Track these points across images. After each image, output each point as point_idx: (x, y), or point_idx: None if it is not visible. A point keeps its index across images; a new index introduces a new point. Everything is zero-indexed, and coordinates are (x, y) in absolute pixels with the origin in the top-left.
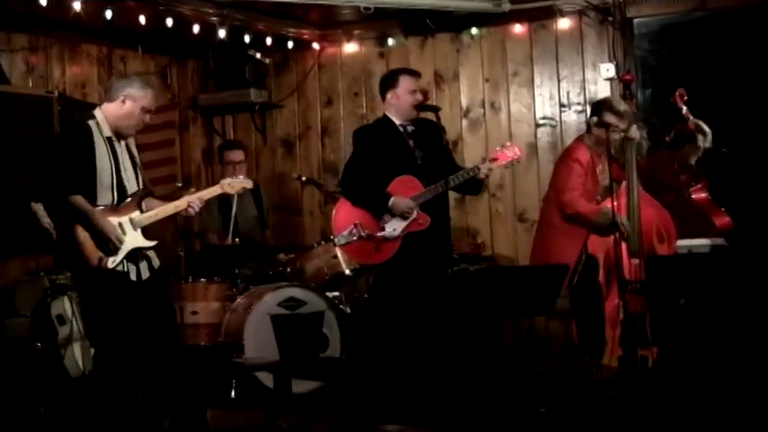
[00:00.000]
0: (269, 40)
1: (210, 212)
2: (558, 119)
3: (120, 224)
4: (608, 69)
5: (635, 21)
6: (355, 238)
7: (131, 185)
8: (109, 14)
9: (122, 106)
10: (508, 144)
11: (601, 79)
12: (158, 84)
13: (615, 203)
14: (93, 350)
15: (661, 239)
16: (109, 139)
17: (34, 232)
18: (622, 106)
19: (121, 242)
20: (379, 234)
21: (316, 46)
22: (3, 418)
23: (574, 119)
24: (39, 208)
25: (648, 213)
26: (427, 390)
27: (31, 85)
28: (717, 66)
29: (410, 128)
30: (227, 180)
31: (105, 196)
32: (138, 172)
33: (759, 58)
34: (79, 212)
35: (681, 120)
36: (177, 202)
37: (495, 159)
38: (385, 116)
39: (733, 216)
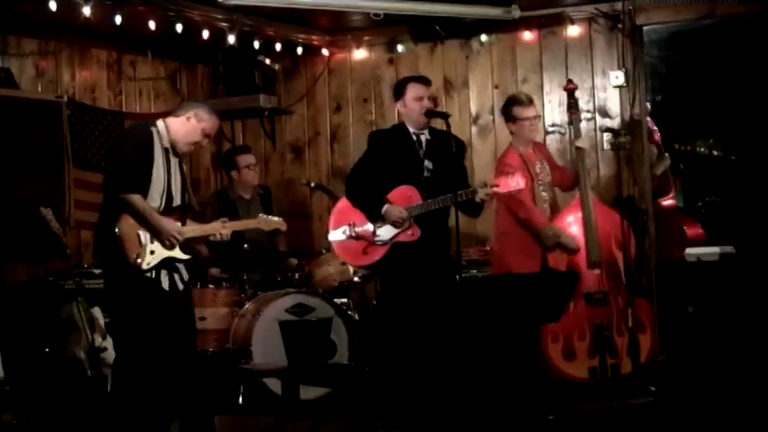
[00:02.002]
0: (278, 46)
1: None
2: (567, 126)
3: None
4: (617, 77)
5: (644, 28)
6: (345, 236)
7: (177, 199)
8: (119, 19)
9: (187, 122)
10: (515, 173)
11: (610, 86)
12: (168, 89)
13: (569, 218)
14: (102, 354)
15: (619, 246)
16: (166, 150)
17: (43, 237)
18: (523, 95)
19: (182, 235)
20: (369, 237)
21: (325, 52)
22: (19, 420)
23: (583, 126)
24: (48, 213)
25: (603, 222)
26: (435, 396)
27: (40, 89)
28: (726, 72)
29: (424, 138)
30: (266, 217)
31: (154, 200)
32: (187, 189)
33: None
34: (135, 211)
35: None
36: (214, 226)
37: (496, 186)
38: (401, 123)
39: (741, 223)
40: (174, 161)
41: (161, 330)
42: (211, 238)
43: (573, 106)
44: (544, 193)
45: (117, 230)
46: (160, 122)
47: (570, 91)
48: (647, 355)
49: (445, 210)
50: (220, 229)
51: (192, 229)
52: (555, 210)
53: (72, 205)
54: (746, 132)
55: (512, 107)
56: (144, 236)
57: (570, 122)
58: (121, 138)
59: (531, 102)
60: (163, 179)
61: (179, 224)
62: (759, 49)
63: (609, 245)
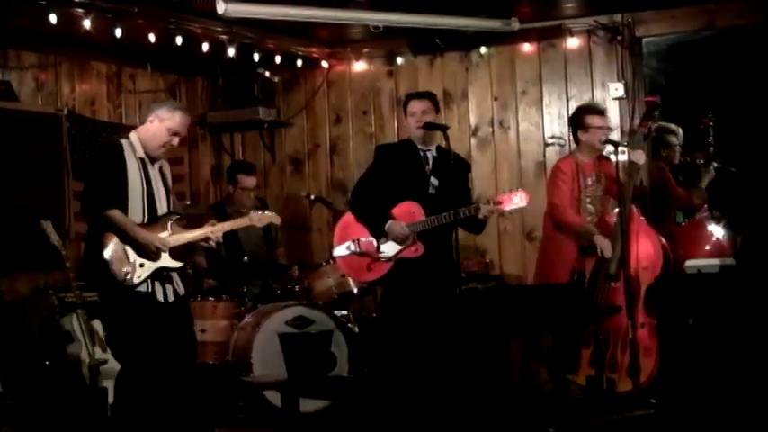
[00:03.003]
0: (278, 59)
1: None
2: (566, 138)
3: None
4: (617, 89)
5: (644, 40)
6: (350, 252)
7: (162, 208)
8: (119, 32)
9: (150, 126)
10: (519, 190)
11: (609, 98)
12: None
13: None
14: (102, 367)
15: (646, 268)
16: (141, 160)
17: (43, 249)
18: (599, 105)
19: (166, 247)
20: (373, 253)
21: (325, 64)
22: None
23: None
24: (48, 225)
25: (643, 241)
26: (435, 409)
27: (40, 102)
28: (725, 84)
29: (431, 155)
30: (257, 214)
31: (135, 214)
32: (171, 196)
33: (767, 76)
34: (116, 227)
35: (706, 145)
36: (202, 231)
37: (499, 203)
38: (408, 139)
39: (742, 235)
40: (153, 171)
41: (160, 343)
42: (203, 243)
43: (646, 119)
44: (590, 206)
45: (106, 255)
46: (133, 134)
47: (652, 104)
48: (648, 378)
49: (450, 226)
50: (209, 232)
51: (179, 238)
52: (603, 225)
53: (72, 218)
54: (747, 144)
55: (585, 115)
56: (131, 251)
57: (632, 133)
58: (90, 156)
59: (604, 113)
60: (141, 190)
61: (166, 233)
62: (759, 61)
63: (636, 263)
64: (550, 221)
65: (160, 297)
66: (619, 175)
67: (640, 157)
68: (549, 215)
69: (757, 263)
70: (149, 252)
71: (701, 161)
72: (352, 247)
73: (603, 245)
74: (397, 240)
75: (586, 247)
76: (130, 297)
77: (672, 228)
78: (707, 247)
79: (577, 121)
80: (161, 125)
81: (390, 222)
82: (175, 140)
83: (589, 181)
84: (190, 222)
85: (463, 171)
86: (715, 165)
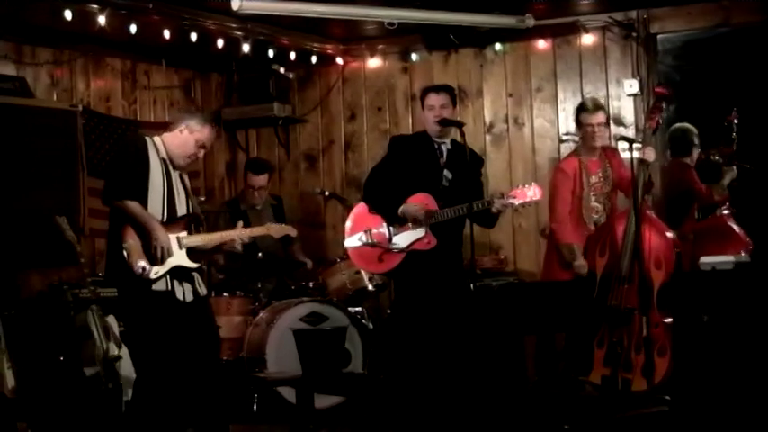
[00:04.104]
0: (293, 55)
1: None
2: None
3: None
4: (631, 85)
5: (659, 37)
6: (361, 243)
7: (182, 209)
8: (133, 28)
9: (179, 135)
10: (532, 184)
11: (624, 95)
12: (182, 98)
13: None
14: (117, 363)
15: (658, 266)
16: (164, 161)
17: (58, 245)
18: (590, 102)
19: (171, 254)
20: (385, 244)
21: (339, 60)
22: (33, 429)
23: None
24: (63, 221)
25: (654, 239)
26: (450, 405)
27: (55, 98)
28: (740, 81)
29: (445, 148)
30: (275, 225)
31: (156, 210)
32: (190, 200)
33: None
34: (132, 218)
35: (730, 141)
36: (225, 234)
37: (513, 197)
38: (424, 131)
39: (756, 232)
40: (174, 174)
41: (181, 342)
42: (226, 247)
43: (655, 110)
44: (597, 204)
45: (125, 246)
46: (157, 138)
47: (660, 95)
48: (662, 377)
49: (461, 219)
50: (229, 238)
51: (199, 239)
52: (612, 222)
53: (86, 214)
54: (762, 140)
55: (579, 113)
56: None
57: (643, 129)
58: (115, 149)
59: (597, 108)
60: (162, 188)
61: (184, 233)
62: None
63: (649, 262)
64: None
65: (180, 296)
66: (633, 174)
67: (650, 154)
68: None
69: None
70: (154, 248)
71: (717, 158)
72: (364, 238)
73: (579, 268)
74: (414, 221)
75: (566, 263)
76: (150, 295)
77: (693, 225)
78: (728, 244)
79: (576, 120)
80: (191, 136)
81: (405, 204)
82: (201, 153)
83: (594, 179)
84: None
85: (477, 166)
86: (737, 164)
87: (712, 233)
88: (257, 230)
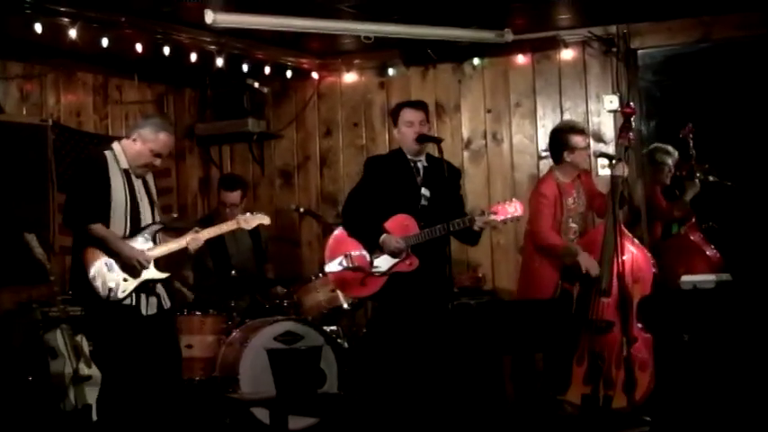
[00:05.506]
0: (267, 69)
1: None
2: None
3: None
4: (611, 101)
5: (639, 52)
6: (343, 267)
7: (146, 218)
8: (105, 42)
9: (133, 145)
10: (512, 200)
11: (604, 111)
12: (154, 113)
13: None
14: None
15: (636, 280)
16: (126, 171)
17: (27, 263)
18: (580, 123)
19: (149, 261)
20: (366, 267)
21: (315, 75)
22: None
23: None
24: (32, 238)
25: (631, 253)
26: (426, 426)
27: (25, 113)
28: (721, 97)
29: (421, 165)
30: (244, 216)
31: (118, 226)
32: (155, 207)
33: (764, 90)
34: (99, 240)
35: (688, 157)
36: (180, 239)
37: (494, 213)
38: (399, 149)
39: (736, 250)
40: (137, 182)
41: (145, 357)
42: (190, 249)
43: (624, 130)
44: (573, 225)
45: (90, 272)
46: (116, 144)
47: (627, 115)
48: (644, 393)
49: (444, 238)
50: (191, 239)
51: (163, 249)
52: (587, 239)
53: (57, 231)
54: (742, 157)
55: (570, 135)
56: (115, 266)
57: (616, 146)
58: (73, 169)
59: (585, 131)
60: (124, 203)
61: (149, 244)
62: (755, 74)
63: (627, 277)
64: (531, 244)
65: (144, 311)
66: (611, 189)
67: (622, 170)
68: (530, 239)
69: (753, 278)
70: (132, 267)
71: (683, 173)
72: (345, 263)
73: (589, 264)
74: (393, 254)
75: (570, 266)
76: (115, 310)
77: (658, 241)
78: (696, 260)
79: (562, 142)
80: (144, 146)
81: (384, 236)
82: (158, 161)
83: (570, 201)
84: (176, 233)
85: (455, 179)
86: (711, 178)
87: (676, 250)
88: (227, 225)
